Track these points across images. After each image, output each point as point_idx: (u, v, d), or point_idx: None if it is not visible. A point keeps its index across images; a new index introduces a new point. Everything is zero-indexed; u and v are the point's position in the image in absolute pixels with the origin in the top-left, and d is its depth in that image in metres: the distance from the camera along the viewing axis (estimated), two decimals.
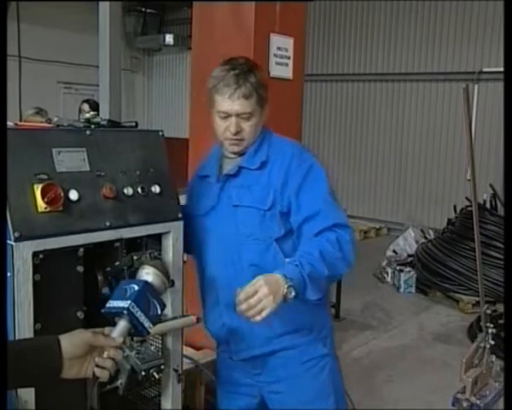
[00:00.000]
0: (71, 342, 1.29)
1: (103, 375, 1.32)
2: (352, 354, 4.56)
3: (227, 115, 1.88)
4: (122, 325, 1.38)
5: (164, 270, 1.49)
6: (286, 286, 1.64)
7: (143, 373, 1.76)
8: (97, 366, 1.31)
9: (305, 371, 1.98)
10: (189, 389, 2.90)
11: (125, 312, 1.37)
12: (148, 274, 1.47)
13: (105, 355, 1.32)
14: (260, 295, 1.59)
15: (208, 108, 1.94)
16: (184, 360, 2.20)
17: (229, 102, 1.86)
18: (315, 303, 1.84)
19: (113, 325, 1.41)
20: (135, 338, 1.75)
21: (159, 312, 1.44)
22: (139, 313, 1.38)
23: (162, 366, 1.82)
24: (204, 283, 2.09)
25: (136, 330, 1.40)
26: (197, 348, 3.08)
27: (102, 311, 1.42)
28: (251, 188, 1.92)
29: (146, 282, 1.45)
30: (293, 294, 1.65)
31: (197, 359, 2.92)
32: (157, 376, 1.80)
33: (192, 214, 2.02)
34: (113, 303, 1.40)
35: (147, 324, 1.40)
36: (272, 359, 1.98)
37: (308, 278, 1.70)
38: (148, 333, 1.47)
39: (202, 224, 2.01)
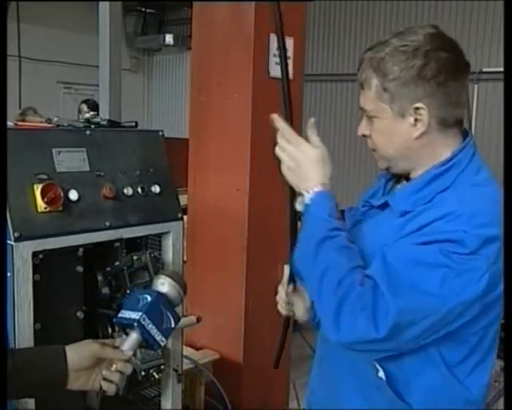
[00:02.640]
0: (77, 353, 1.26)
1: (110, 389, 1.27)
2: None
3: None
4: (133, 337, 1.32)
5: (180, 280, 1.42)
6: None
7: (143, 373, 1.76)
8: (104, 379, 1.27)
9: None
10: (188, 389, 2.90)
11: (136, 324, 1.30)
12: (162, 284, 1.39)
13: (113, 368, 1.27)
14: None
15: None
16: (184, 360, 2.20)
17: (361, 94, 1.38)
18: None
19: (113, 327, 1.39)
20: None
21: (172, 325, 1.37)
22: (151, 325, 1.32)
23: (162, 366, 1.82)
24: None
25: (147, 344, 1.35)
26: (197, 349, 3.08)
27: (114, 321, 1.38)
28: (377, 231, 1.37)
29: (159, 293, 1.38)
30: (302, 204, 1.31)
31: (197, 359, 2.92)
32: (157, 376, 1.80)
33: None
34: (124, 314, 1.34)
35: (159, 337, 1.33)
36: None
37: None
38: (160, 347, 1.40)
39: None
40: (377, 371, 1.33)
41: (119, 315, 1.35)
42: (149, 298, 1.34)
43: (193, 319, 2.00)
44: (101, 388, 1.27)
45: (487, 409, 3.30)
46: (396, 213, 1.35)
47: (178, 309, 1.92)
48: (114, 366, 1.27)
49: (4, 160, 1.45)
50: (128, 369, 1.29)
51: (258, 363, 3.05)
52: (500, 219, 1.23)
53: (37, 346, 1.50)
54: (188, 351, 2.85)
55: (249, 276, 2.96)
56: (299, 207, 1.35)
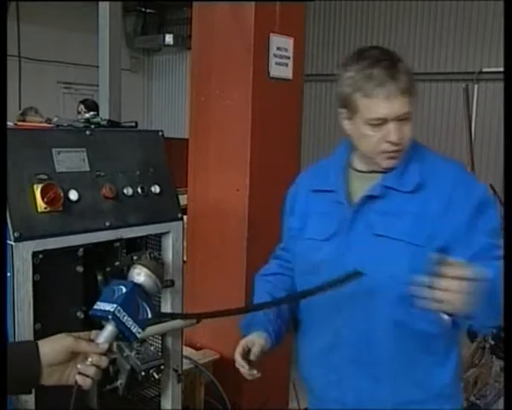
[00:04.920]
0: (51, 347, 1.23)
1: (85, 383, 1.22)
2: None
3: (382, 122, 1.50)
4: (108, 329, 1.29)
5: (157, 270, 1.38)
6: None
7: (143, 373, 1.76)
8: (80, 373, 1.22)
9: None
10: (188, 389, 2.90)
11: (110, 316, 1.27)
12: (138, 275, 1.35)
13: (88, 362, 1.23)
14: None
15: (346, 118, 1.58)
16: (184, 360, 2.20)
17: (387, 104, 1.48)
18: (445, 363, 1.58)
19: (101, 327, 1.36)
20: None
21: (149, 316, 1.33)
22: (126, 317, 1.28)
23: (162, 367, 1.82)
24: (309, 325, 1.70)
25: (123, 336, 1.31)
26: (197, 349, 3.08)
27: (90, 313, 1.34)
28: (401, 216, 1.52)
29: (135, 284, 1.34)
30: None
31: (197, 359, 2.92)
32: (157, 376, 1.80)
33: (300, 236, 1.69)
34: (100, 305, 1.30)
35: (135, 329, 1.30)
36: None
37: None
38: (137, 339, 1.37)
39: (318, 250, 1.63)
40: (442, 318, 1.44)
41: (94, 307, 1.31)
42: (124, 289, 1.31)
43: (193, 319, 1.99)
44: (76, 382, 1.23)
45: (487, 409, 3.30)
46: (405, 193, 1.54)
47: (178, 305, 1.93)
48: (90, 359, 1.23)
49: (4, 160, 1.44)
50: (103, 362, 1.25)
51: (258, 363, 3.05)
52: None
53: (9, 342, 1.46)
54: (188, 351, 2.85)
55: (249, 276, 2.96)
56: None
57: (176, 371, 1.94)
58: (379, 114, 1.49)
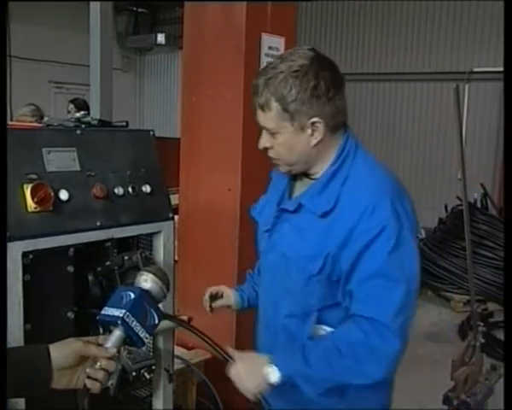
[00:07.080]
0: (61, 351, 1.25)
1: (94, 387, 1.26)
2: None
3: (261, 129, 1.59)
4: (116, 334, 1.32)
5: (163, 277, 1.42)
6: (267, 368, 1.47)
7: (134, 373, 1.76)
8: (89, 377, 1.26)
9: None
10: (180, 389, 2.90)
11: (119, 322, 1.30)
12: (145, 281, 1.39)
13: (97, 366, 1.27)
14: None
15: None
16: (176, 359, 2.20)
17: (258, 113, 1.56)
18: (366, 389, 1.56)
19: (104, 328, 1.37)
20: None
21: (156, 321, 1.37)
22: (134, 322, 1.32)
23: (153, 366, 1.82)
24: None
25: (131, 341, 1.35)
26: (188, 348, 3.08)
27: (98, 318, 1.36)
28: (305, 235, 1.55)
29: (143, 290, 1.38)
30: (277, 376, 1.46)
31: (189, 359, 2.92)
32: (148, 376, 1.80)
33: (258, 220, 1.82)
34: (108, 311, 1.34)
35: (143, 334, 1.34)
36: None
37: (300, 377, 1.47)
38: (144, 344, 1.40)
39: (260, 240, 1.78)
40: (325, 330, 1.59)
41: (103, 312, 1.34)
42: (133, 295, 1.34)
43: (184, 318, 1.99)
44: (85, 386, 1.26)
45: (480, 409, 3.31)
46: (315, 214, 1.54)
47: (170, 305, 1.93)
48: (98, 363, 1.27)
49: (4, 160, 1.43)
50: (112, 366, 1.28)
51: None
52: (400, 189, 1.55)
53: (20, 346, 1.48)
54: (179, 351, 2.85)
55: (241, 276, 2.96)
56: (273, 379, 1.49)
57: (167, 370, 1.93)
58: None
